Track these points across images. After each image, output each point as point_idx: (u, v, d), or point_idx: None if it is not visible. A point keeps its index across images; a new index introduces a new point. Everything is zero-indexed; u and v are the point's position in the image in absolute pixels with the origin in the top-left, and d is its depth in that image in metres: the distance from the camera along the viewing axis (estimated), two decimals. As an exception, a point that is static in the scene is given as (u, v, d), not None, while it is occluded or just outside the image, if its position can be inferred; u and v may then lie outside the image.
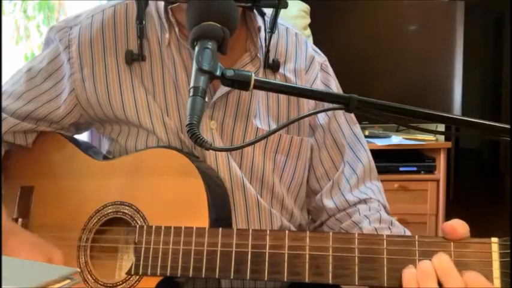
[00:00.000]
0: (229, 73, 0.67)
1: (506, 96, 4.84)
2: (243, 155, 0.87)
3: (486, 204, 4.27)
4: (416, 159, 2.49)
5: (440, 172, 2.44)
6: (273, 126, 0.89)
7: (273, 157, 0.89)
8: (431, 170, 2.45)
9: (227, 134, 0.87)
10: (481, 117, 0.65)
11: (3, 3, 1.89)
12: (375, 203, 0.91)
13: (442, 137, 2.60)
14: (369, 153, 0.97)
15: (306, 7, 2.24)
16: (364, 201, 0.91)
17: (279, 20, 0.89)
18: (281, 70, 0.91)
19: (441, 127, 2.57)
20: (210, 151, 0.84)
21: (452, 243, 0.65)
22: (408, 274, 0.65)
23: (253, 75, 0.67)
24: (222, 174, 0.85)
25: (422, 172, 2.46)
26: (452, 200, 4.21)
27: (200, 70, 0.65)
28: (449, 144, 2.52)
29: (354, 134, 0.96)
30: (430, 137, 2.50)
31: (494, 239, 0.64)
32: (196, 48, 0.68)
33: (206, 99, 0.63)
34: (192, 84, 0.65)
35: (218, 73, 0.67)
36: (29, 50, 2.02)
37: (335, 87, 0.97)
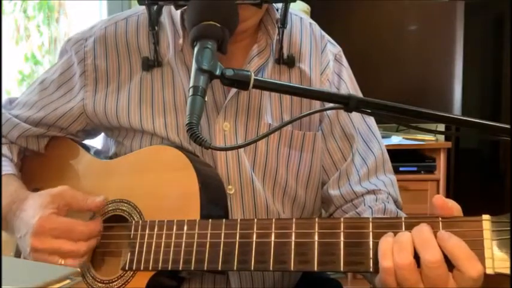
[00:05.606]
0: (229, 73, 0.67)
1: (506, 96, 4.84)
2: (257, 152, 0.87)
3: (486, 204, 4.26)
4: (416, 159, 2.48)
5: (440, 172, 2.44)
6: None
7: (287, 153, 0.88)
8: (431, 170, 2.45)
9: (240, 133, 0.87)
10: (481, 117, 0.65)
11: (3, 3, 1.89)
12: (383, 194, 0.88)
13: (442, 137, 2.59)
14: (383, 145, 0.94)
15: (306, 7, 2.24)
16: (373, 192, 0.88)
17: (292, 11, 0.88)
18: (296, 64, 0.90)
19: (441, 127, 2.57)
20: (221, 154, 0.84)
21: (440, 223, 0.63)
22: (384, 243, 0.62)
23: (252, 75, 0.67)
24: (232, 176, 0.85)
25: (422, 172, 2.45)
26: (452, 199, 4.20)
27: (200, 70, 0.66)
28: (449, 144, 2.51)
29: (367, 124, 0.93)
30: (430, 137, 2.50)
31: (486, 216, 0.61)
32: (196, 48, 0.68)
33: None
34: (191, 84, 0.65)
35: (218, 72, 0.67)
36: (29, 50, 2.03)
37: (347, 77, 0.95)
